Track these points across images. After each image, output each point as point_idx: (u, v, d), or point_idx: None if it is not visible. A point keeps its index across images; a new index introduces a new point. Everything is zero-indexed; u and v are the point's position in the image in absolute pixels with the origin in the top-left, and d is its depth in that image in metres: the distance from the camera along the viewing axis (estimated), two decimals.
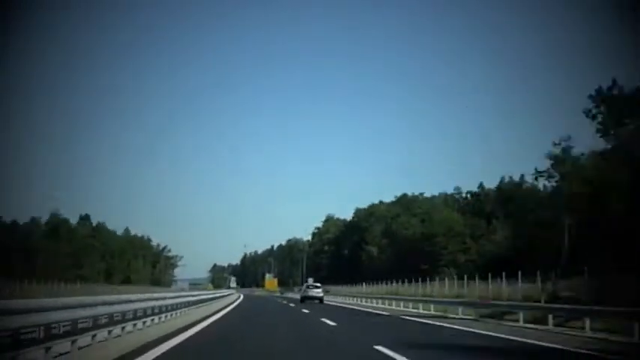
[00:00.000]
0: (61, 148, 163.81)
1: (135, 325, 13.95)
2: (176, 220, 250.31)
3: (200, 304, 27.38)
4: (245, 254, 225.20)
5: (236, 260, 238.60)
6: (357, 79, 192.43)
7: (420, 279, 48.51)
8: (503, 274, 32.14)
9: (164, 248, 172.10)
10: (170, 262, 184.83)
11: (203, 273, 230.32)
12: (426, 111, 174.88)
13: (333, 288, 74.99)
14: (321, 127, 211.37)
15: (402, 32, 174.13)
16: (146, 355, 10.44)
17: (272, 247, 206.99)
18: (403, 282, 52.35)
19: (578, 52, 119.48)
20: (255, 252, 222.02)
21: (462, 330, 19.43)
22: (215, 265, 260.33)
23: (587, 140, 63.90)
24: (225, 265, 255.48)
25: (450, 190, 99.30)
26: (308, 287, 51.30)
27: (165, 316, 17.97)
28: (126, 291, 55.86)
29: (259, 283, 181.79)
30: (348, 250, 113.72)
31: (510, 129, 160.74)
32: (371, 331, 19.44)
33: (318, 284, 53.29)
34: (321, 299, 47.50)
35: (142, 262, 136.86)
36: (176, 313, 19.88)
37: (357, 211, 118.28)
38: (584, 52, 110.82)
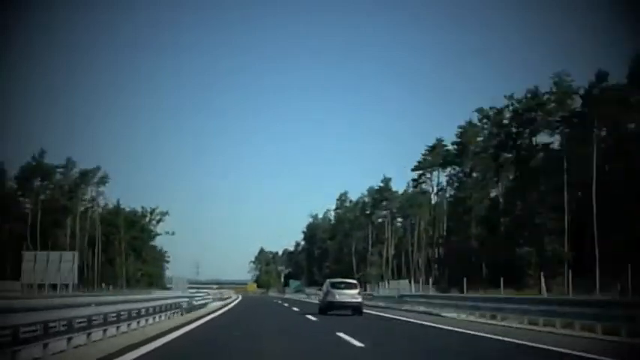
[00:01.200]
0: (60, 148, 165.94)
1: None
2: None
3: None
4: (312, 221, 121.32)
5: (296, 240, 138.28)
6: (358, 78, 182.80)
7: None
8: None
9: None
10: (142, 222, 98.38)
11: (243, 268, 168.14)
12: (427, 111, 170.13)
13: None
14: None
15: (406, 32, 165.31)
16: None
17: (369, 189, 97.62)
18: None
19: (579, 53, 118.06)
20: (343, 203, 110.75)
21: None
22: (262, 251, 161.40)
23: None
24: (279, 251, 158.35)
25: None
26: (333, 286, 28.39)
27: None
28: None
29: (349, 273, 77.17)
30: None
31: None
32: None
33: (353, 281, 31.32)
34: (357, 308, 26.93)
35: None
36: None
37: None
38: (585, 53, 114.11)
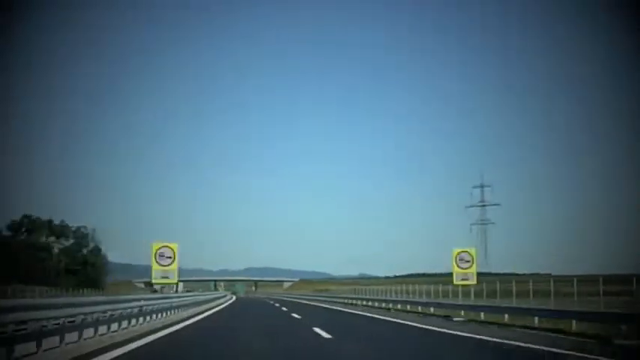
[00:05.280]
0: (59, 148, 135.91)
1: None
2: None
3: None
4: None
5: None
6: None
7: None
8: None
9: None
10: None
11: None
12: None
13: None
14: None
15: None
16: None
17: None
18: None
19: (580, 56, 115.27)
20: None
21: None
22: None
23: None
24: None
25: None
26: None
27: None
28: None
29: None
30: None
31: None
32: None
33: None
34: None
35: None
36: None
37: None
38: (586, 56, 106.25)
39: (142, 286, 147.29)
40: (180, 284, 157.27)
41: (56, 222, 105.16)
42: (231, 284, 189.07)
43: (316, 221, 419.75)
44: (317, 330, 18.52)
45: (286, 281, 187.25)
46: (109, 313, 15.66)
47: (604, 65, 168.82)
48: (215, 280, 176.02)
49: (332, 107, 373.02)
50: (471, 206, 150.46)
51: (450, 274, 35.21)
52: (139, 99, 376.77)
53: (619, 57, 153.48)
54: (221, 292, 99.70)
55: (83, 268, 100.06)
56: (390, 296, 48.17)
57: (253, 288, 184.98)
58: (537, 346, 13.92)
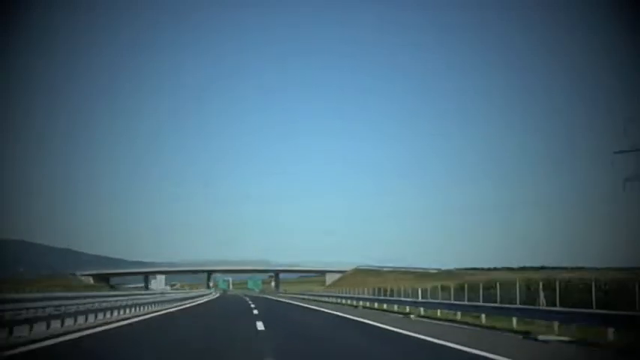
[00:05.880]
0: (60, 149, 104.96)
1: None
2: None
3: None
4: None
5: None
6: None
7: None
8: None
9: None
10: None
11: None
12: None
13: None
14: None
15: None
16: None
17: None
18: None
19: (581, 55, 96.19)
20: None
21: None
22: None
23: None
24: None
25: None
26: None
27: None
28: None
29: None
30: None
31: None
32: None
33: None
34: None
35: None
36: None
37: None
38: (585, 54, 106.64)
39: (91, 281, 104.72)
40: (162, 277, 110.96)
41: None
42: (241, 277, 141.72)
43: (336, 216, 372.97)
44: None
45: (331, 272, 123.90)
46: None
47: None
48: (209, 271, 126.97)
49: (341, 106, 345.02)
50: (623, 151, 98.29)
51: None
52: (139, 99, 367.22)
53: None
54: (193, 291, 72.92)
55: None
56: None
57: (272, 284, 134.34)
58: None
